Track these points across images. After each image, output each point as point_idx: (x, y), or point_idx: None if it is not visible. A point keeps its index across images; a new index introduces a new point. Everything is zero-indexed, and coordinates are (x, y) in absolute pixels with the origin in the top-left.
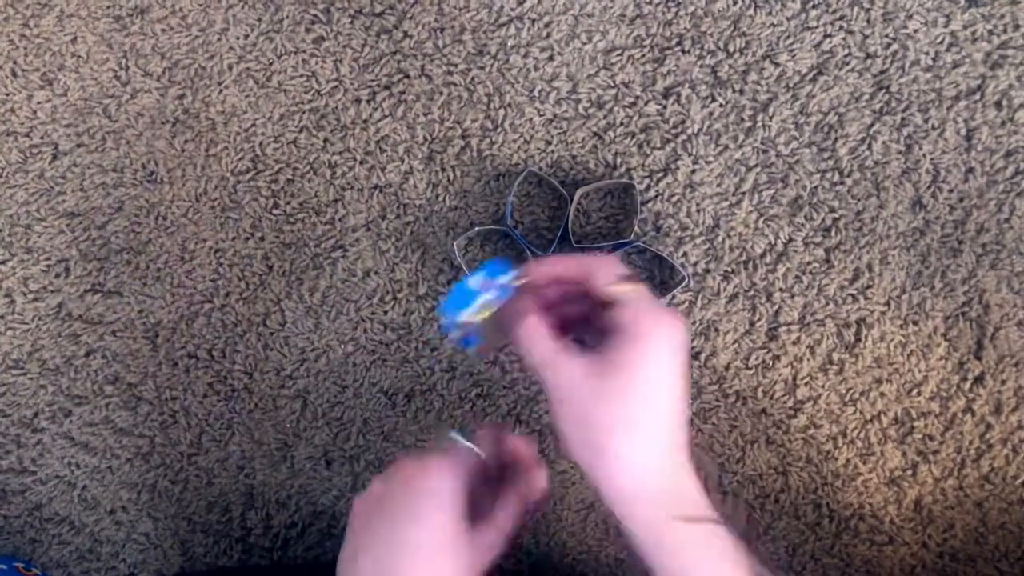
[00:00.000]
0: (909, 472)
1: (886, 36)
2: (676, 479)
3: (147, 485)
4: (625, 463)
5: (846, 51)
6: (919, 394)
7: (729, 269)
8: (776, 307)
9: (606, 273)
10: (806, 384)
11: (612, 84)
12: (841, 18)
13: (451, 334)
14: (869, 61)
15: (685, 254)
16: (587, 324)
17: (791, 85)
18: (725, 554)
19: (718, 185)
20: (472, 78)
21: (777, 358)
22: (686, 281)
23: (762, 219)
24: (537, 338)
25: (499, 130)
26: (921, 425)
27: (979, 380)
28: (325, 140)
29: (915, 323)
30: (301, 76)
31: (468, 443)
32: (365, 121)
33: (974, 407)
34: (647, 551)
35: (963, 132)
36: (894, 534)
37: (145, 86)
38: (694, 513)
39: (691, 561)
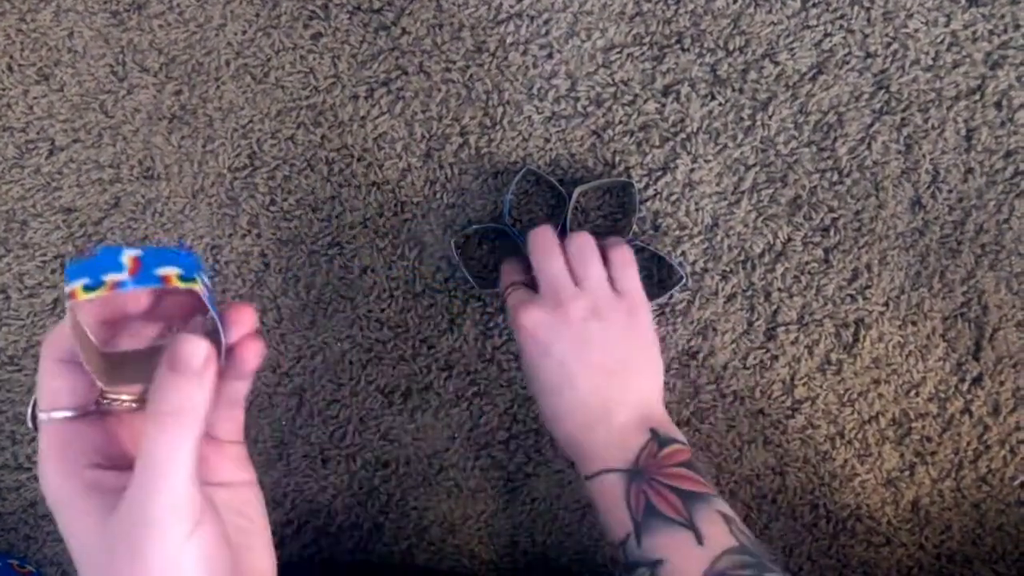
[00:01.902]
0: (907, 473)
1: (886, 35)
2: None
3: None
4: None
5: (846, 50)
6: (917, 395)
7: (727, 268)
8: (774, 307)
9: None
10: (804, 384)
11: (611, 82)
12: (841, 17)
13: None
14: (869, 60)
15: (683, 253)
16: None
17: (791, 84)
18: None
19: (717, 184)
20: (471, 75)
21: (775, 358)
22: (684, 280)
23: (761, 218)
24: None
25: (497, 128)
26: (919, 426)
27: (977, 381)
28: (323, 137)
29: (914, 324)
30: (299, 72)
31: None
32: (363, 118)
33: (972, 408)
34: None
35: (963, 132)
36: (891, 535)
37: (142, 82)
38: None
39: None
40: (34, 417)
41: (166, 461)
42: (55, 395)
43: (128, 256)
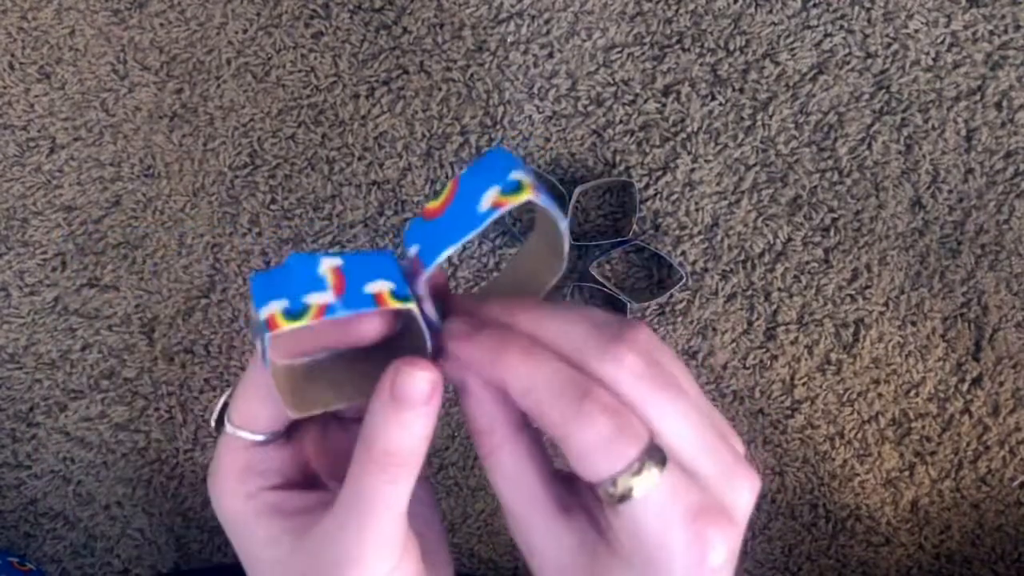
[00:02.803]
0: (906, 473)
1: (887, 36)
2: None
3: (142, 481)
4: None
5: (846, 50)
6: (917, 395)
7: (727, 268)
8: (774, 307)
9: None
10: (804, 384)
11: (612, 82)
12: (842, 17)
13: (253, 326)
14: (869, 61)
15: (684, 253)
16: None
17: (791, 84)
18: None
19: (717, 184)
20: (471, 74)
21: (775, 358)
22: (684, 280)
23: (761, 218)
24: (505, 460)
25: (498, 127)
26: (919, 426)
27: (977, 381)
28: (323, 136)
29: (913, 324)
30: (300, 71)
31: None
32: (364, 117)
33: (972, 409)
34: None
35: (963, 133)
36: (890, 535)
37: (143, 80)
38: None
39: None
40: (220, 420)
41: (380, 502)
42: (255, 417)
43: (328, 267)
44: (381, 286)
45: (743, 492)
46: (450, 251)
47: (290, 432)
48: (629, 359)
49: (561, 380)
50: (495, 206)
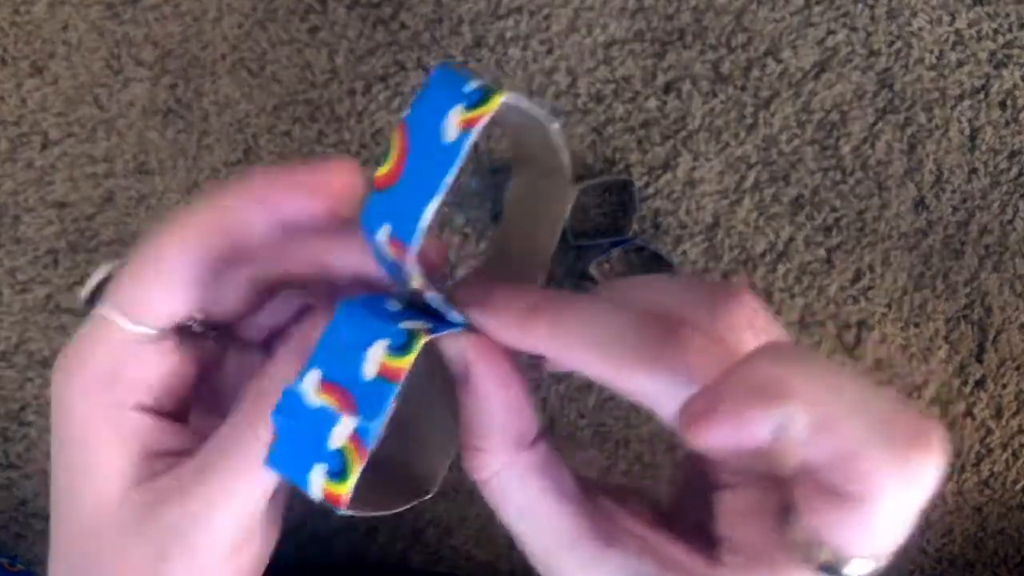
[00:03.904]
0: None
1: (890, 33)
2: None
3: None
4: None
5: (849, 48)
6: (919, 397)
7: (728, 268)
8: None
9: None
10: None
11: (612, 79)
12: (845, 15)
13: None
14: (873, 59)
15: (684, 252)
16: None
17: (793, 82)
18: None
19: (718, 183)
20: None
21: None
22: None
23: (763, 218)
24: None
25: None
26: None
27: (980, 384)
28: (319, 132)
29: (916, 325)
30: (295, 67)
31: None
32: (360, 113)
33: (974, 411)
34: None
35: (967, 132)
36: None
37: (137, 75)
38: None
39: None
40: (92, 299)
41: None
42: (148, 304)
43: (312, 386)
44: (376, 356)
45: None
46: (433, 207)
47: (179, 342)
48: (745, 313)
49: (637, 321)
50: (465, 127)
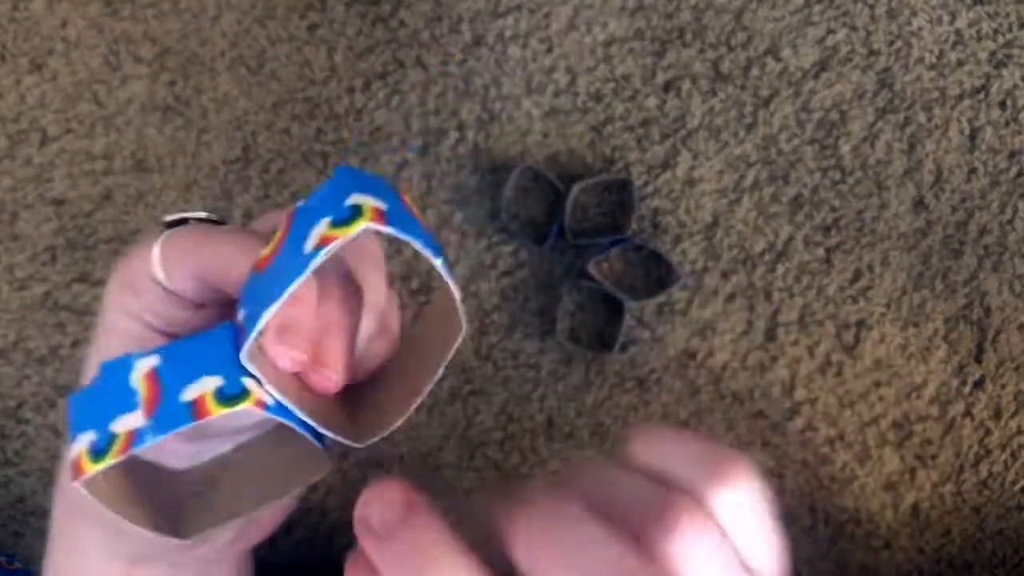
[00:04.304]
0: (907, 476)
1: (890, 33)
2: None
3: None
4: None
5: (849, 47)
6: (918, 397)
7: (727, 268)
8: (775, 307)
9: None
10: (804, 386)
11: (611, 77)
12: (845, 14)
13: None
14: (873, 58)
15: (683, 251)
16: None
17: (793, 81)
18: None
19: (717, 182)
20: (469, 69)
21: (775, 359)
22: (683, 279)
23: (762, 217)
24: None
25: (495, 122)
26: (920, 429)
27: (979, 384)
28: (318, 130)
29: (915, 325)
30: (294, 64)
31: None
32: (359, 111)
33: (973, 412)
34: None
35: (967, 132)
36: (890, 539)
37: (136, 72)
38: None
39: None
40: (173, 224)
41: None
42: (174, 277)
43: (142, 373)
44: (204, 386)
45: None
46: (269, 313)
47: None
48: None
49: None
50: (321, 243)
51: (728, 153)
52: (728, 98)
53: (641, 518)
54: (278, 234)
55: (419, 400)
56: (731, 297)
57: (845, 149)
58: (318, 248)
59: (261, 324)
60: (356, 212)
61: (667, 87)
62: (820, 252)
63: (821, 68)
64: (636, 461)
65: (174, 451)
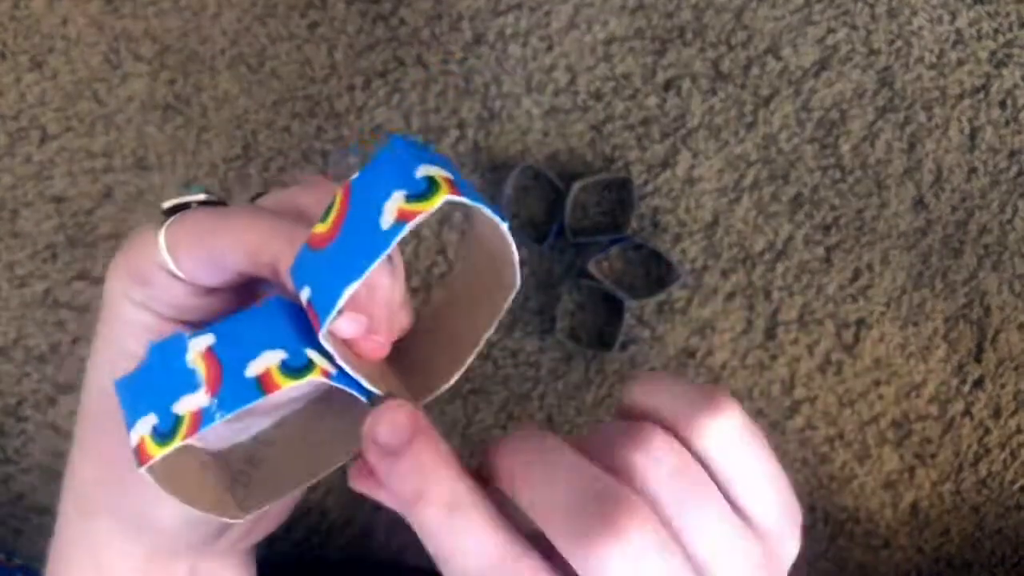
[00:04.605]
0: (906, 475)
1: (890, 32)
2: None
3: None
4: None
5: (850, 46)
6: (918, 396)
7: (727, 266)
8: (774, 306)
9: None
10: (803, 385)
11: (611, 76)
12: (845, 13)
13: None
14: (873, 57)
15: (683, 250)
16: None
17: (793, 80)
18: None
19: (717, 181)
20: (469, 67)
21: (774, 358)
22: (683, 278)
23: (762, 216)
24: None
25: (496, 121)
26: (919, 428)
27: (978, 383)
28: (318, 128)
29: (915, 324)
30: (295, 62)
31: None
32: (359, 109)
33: (973, 411)
34: None
35: (967, 131)
36: (890, 538)
37: (136, 70)
38: None
39: None
40: (173, 211)
41: None
42: (181, 262)
43: (197, 352)
44: (268, 360)
45: None
46: (352, 289)
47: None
48: (655, 454)
49: (477, 564)
50: (401, 219)
51: (728, 152)
52: (728, 97)
53: (614, 443)
54: (335, 208)
55: (475, 354)
56: (731, 296)
57: (845, 148)
58: (400, 223)
59: (344, 299)
60: (432, 184)
61: (667, 86)
62: (820, 251)
63: (821, 67)
64: (628, 405)
65: (215, 432)
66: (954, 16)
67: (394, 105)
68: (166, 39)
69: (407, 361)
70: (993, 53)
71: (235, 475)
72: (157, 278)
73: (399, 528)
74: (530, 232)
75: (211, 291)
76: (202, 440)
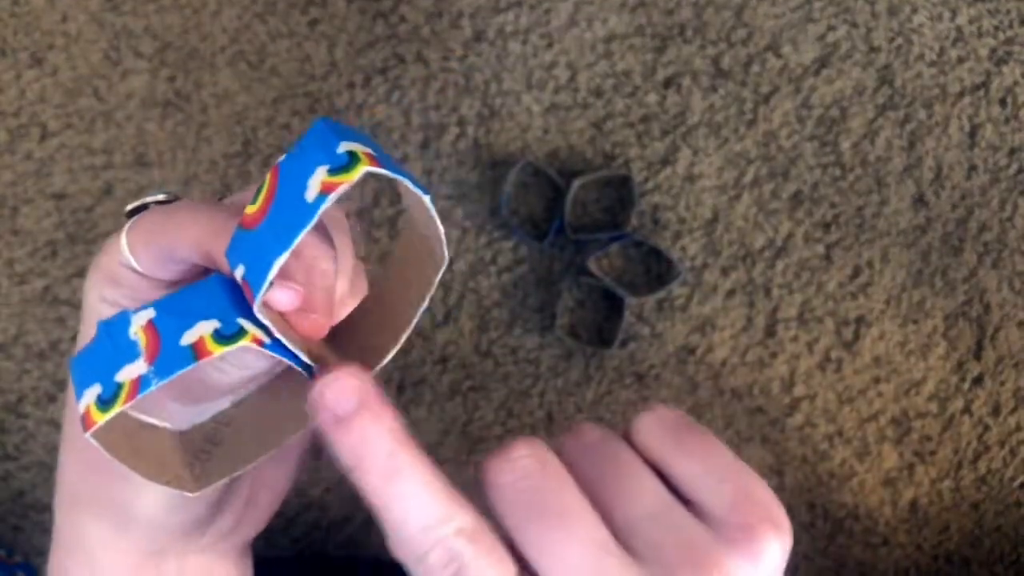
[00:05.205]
0: (905, 473)
1: (891, 30)
2: None
3: None
4: None
5: (850, 44)
6: (917, 394)
7: (727, 264)
8: (774, 303)
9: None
10: (803, 382)
11: (612, 73)
12: (845, 11)
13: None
14: (873, 55)
15: (683, 248)
16: None
17: (793, 77)
18: None
19: (717, 178)
20: (469, 64)
21: (774, 355)
22: (683, 275)
23: (761, 213)
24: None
25: (496, 118)
26: (919, 425)
27: (978, 381)
28: None
29: (915, 322)
30: (295, 59)
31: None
32: (359, 106)
33: (972, 408)
34: None
35: (967, 129)
36: (889, 535)
37: (136, 67)
38: None
39: None
40: (133, 213)
41: None
42: (139, 258)
43: (139, 325)
44: (202, 330)
45: None
46: (280, 262)
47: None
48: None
49: (416, 522)
50: (324, 191)
51: (728, 149)
52: (728, 94)
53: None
54: (264, 190)
55: (408, 331)
56: (731, 293)
57: (845, 146)
58: (323, 194)
59: (274, 271)
60: (353, 158)
61: (667, 83)
62: (820, 248)
63: (821, 65)
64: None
65: (176, 413)
66: (954, 13)
67: (394, 102)
68: (166, 36)
69: (345, 339)
70: (993, 50)
71: (196, 453)
72: (124, 277)
73: None
74: (530, 229)
75: (173, 284)
76: (164, 420)
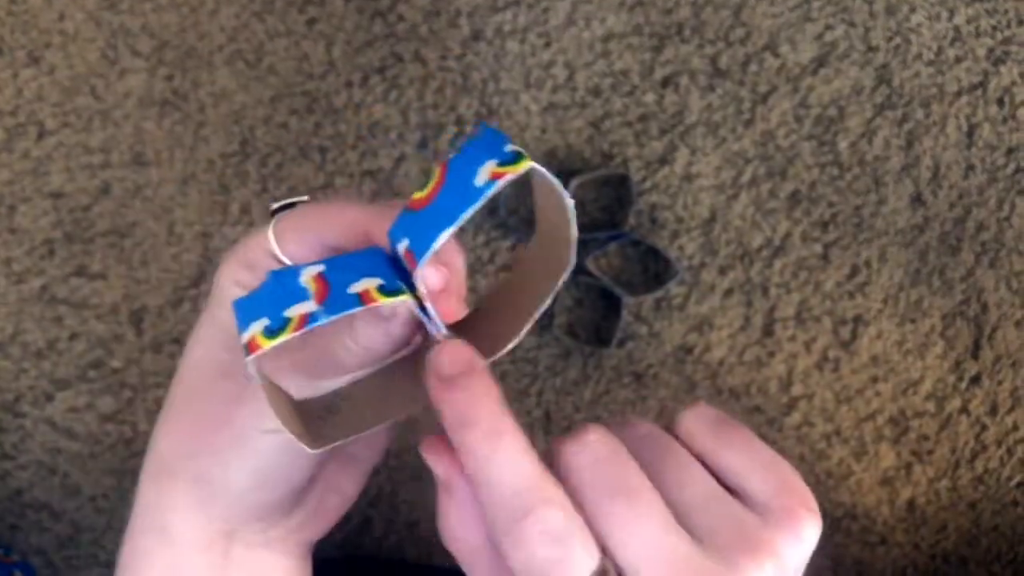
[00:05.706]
0: (903, 472)
1: (889, 29)
2: None
3: (129, 472)
4: None
5: (848, 43)
6: (915, 393)
7: (725, 263)
8: (772, 303)
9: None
10: (801, 381)
11: (610, 72)
12: (843, 10)
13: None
14: (871, 54)
15: (681, 247)
16: None
17: (791, 77)
18: None
19: (715, 177)
20: (467, 63)
21: (772, 354)
22: (681, 275)
23: (759, 213)
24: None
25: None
26: (916, 425)
27: (975, 380)
28: (316, 124)
29: (912, 321)
30: (293, 58)
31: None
32: (357, 105)
33: (970, 408)
34: None
35: (964, 128)
36: (886, 534)
37: (134, 66)
38: None
39: None
40: (278, 211)
41: None
42: (288, 248)
43: (309, 276)
44: (367, 283)
45: None
46: (447, 234)
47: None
48: (586, 452)
49: (512, 484)
50: (494, 178)
51: (726, 149)
52: (726, 94)
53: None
54: (434, 179)
55: (531, 323)
56: (728, 293)
57: (843, 145)
58: (492, 180)
59: (442, 239)
60: (519, 155)
61: (665, 83)
62: (817, 248)
63: (819, 64)
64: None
65: (298, 388)
66: (952, 13)
67: (392, 101)
68: (164, 35)
69: (470, 331)
70: (991, 50)
71: (313, 420)
72: (261, 263)
73: (396, 524)
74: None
75: None
76: (287, 388)
